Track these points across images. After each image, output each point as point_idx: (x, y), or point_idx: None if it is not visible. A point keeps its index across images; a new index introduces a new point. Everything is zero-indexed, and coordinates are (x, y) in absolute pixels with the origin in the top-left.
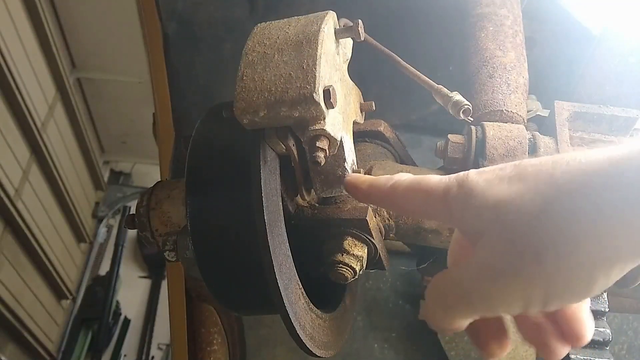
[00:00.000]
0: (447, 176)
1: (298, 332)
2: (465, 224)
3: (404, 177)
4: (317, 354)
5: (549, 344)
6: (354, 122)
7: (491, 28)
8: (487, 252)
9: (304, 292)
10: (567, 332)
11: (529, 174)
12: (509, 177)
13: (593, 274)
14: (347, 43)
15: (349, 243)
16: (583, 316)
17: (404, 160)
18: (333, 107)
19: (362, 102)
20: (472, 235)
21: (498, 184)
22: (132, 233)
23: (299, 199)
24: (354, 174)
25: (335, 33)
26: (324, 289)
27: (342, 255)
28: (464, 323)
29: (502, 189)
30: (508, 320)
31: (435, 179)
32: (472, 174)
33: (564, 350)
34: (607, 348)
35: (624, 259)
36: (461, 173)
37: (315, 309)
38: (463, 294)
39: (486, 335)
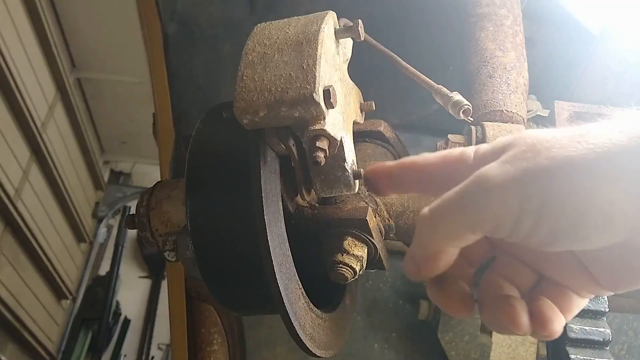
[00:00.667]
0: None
1: (298, 332)
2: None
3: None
4: (317, 354)
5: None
6: (354, 122)
7: (491, 28)
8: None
9: (304, 292)
10: (541, 313)
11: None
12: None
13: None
14: (347, 43)
15: (349, 243)
16: (572, 305)
17: None
18: (333, 107)
19: (362, 102)
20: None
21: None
22: (132, 233)
23: (299, 199)
24: (372, 165)
25: (335, 33)
26: (324, 289)
27: (342, 255)
28: (448, 248)
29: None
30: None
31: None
32: (490, 171)
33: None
34: (607, 348)
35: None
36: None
37: (315, 309)
38: (455, 203)
39: (450, 296)
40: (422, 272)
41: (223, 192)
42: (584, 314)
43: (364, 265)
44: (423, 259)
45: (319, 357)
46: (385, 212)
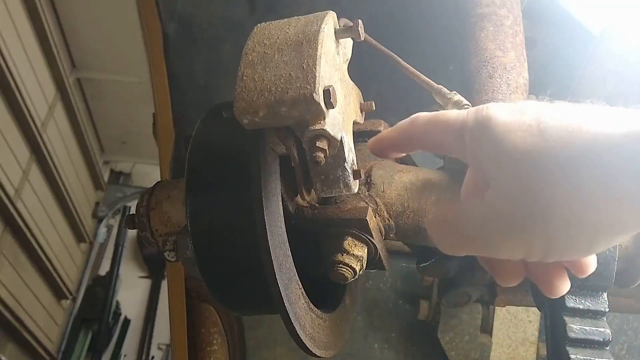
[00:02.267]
0: (465, 110)
1: (298, 332)
2: (478, 163)
3: (424, 113)
4: (317, 354)
5: (551, 280)
6: (354, 122)
7: (491, 28)
8: (498, 198)
9: (304, 292)
10: (570, 267)
11: (551, 128)
12: (528, 125)
13: (596, 238)
14: (347, 43)
15: (349, 243)
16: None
17: (404, 160)
18: (333, 107)
19: (362, 102)
20: (484, 174)
21: (517, 130)
22: (132, 233)
23: (299, 199)
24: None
25: (335, 33)
26: (324, 289)
27: (342, 255)
28: (461, 254)
29: (520, 138)
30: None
31: (453, 113)
32: (492, 111)
33: (566, 285)
34: (607, 348)
35: (627, 229)
36: (481, 107)
37: (315, 309)
38: (467, 233)
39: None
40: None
41: (223, 192)
42: (584, 314)
43: (364, 265)
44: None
45: (319, 357)
46: (385, 212)
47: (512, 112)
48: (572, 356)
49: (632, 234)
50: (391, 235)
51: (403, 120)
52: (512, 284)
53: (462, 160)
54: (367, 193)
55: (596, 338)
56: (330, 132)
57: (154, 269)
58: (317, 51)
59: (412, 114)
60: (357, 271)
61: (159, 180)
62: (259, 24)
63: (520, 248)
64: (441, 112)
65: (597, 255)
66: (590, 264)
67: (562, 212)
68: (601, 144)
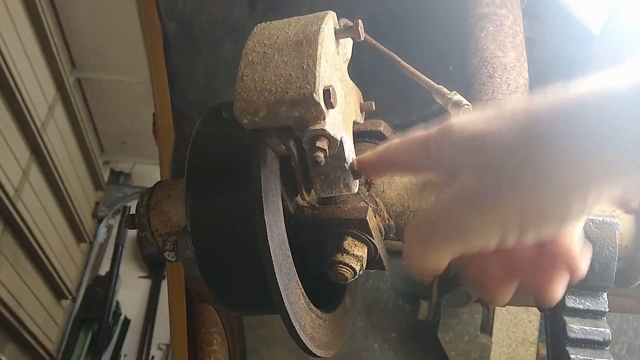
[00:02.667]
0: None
1: (298, 332)
2: (443, 162)
3: (396, 139)
4: (317, 354)
5: (544, 283)
6: (354, 122)
7: (491, 28)
8: (463, 181)
9: (304, 292)
10: (561, 265)
11: (508, 110)
12: (488, 116)
13: (568, 199)
14: (347, 43)
15: (349, 243)
16: (575, 247)
17: None
18: (333, 107)
19: (362, 102)
20: (449, 172)
21: (477, 121)
22: (132, 233)
23: (299, 199)
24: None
25: (335, 33)
26: (324, 289)
27: (342, 255)
28: (442, 262)
29: (482, 124)
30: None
31: (419, 131)
32: (454, 119)
33: (561, 288)
34: (607, 348)
35: (597, 184)
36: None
37: (315, 309)
38: (438, 226)
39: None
40: (421, 276)
41: (223, 192)
42: (584, 314)
43: (364, 265)
44: (419, 271)
45: (319, 357)
46: (385, 212)
47: (473, 113)
48: (572, 356)
49: (610, 193)
50: (391, 235)
51: (380, 145)
52: (502, 300)
53: (430, 173)
54: (367, 193)
55: (596, 338)
56: (330, 132)
57: (154, 269)
58: (317, 51)
59: (412, 114)
60: (357, 271)
61: (159, 180)
62: (259, 24)
63: (494, 225)
64: (410, 132)
65: (597, 255)
66: (582, 261)
67: (530, 175)
68: (560, 106)
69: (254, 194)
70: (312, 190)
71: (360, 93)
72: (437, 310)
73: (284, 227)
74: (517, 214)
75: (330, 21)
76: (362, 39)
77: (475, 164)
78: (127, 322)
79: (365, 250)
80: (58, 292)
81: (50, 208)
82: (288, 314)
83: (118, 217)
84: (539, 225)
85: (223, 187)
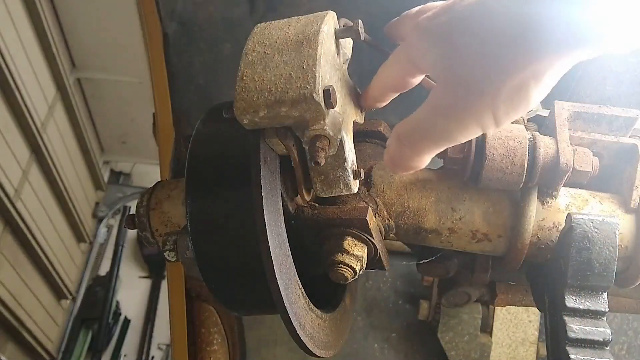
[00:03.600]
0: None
1: (298, 332)
2: (427, 69)
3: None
4: (317, 354)
5: None
6: (354, 122)
7: None
8: (438, 94)
9: (304, 292)
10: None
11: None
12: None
13: (526, 86)
14: (347, 43)
15: (349, 243)
16: None
17: None
18: (333, 107)
19: None
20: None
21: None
22: (132, 233)
23: (299, 199)
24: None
25: (335, 33)
26: (324, 289)
27: (342, 255)
28: (429, 158)
29: (435, 26)
30: None
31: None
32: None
33: None
34: (607, 348)
35: (547, 63)
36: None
37: (315, 309)
38: (424, 132)
39: None
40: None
41: (223, 192)
42: (584, 314)
43: (364, 265)
44: (406, 168)
45: (319, 357)
46: (385, 212)
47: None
48: (572, 356)
49: (564, 69)
50: (391, 235)
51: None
52: None
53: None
54: (367, 193)
55: (596, 338)
56: (330, 132)
57: (154, 269)
58: (317, 51)
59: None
60: (357, 271)
61: (159, 180)
62: (259, 24)
63: (473, 126)
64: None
65: (597, 255)
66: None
67: (489, 81)
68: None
69: (254, 194)
70: (312, 190)
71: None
72: (437, 310)
73: (284, 227)
74: (490, 114)
75: (330, 21)
76: (362, 39)
77: (444, 80)
78: (127, 322)
79: (365, 250)
80: (58, 292)
81: (50, 208)
82: (288, 314)
83: (118, 217)
84: (509, 115)
85: (223, 187)
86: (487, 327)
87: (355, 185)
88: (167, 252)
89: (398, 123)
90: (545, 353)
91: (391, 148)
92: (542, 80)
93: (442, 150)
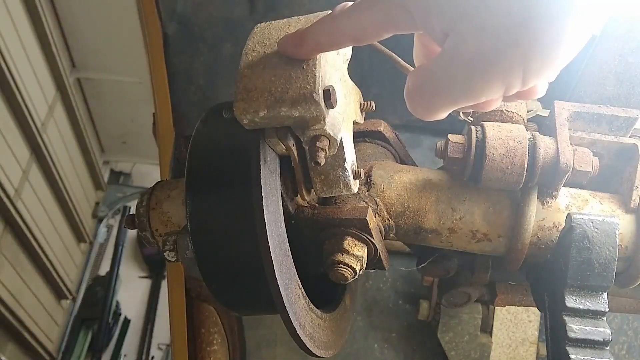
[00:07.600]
0: None
1: (298, 332)
2: (430, 26)
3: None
4: (317, 354)
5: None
6: (354, 122)
7: None
8: (460, 45)
9: (304, 292)
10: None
11: None
12: None
13: (562, 43)
14: None
15: (349, 243)
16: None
17: (404, 160)
18: (333, 107)
19: (362, 102)
20: (439, 35)
21: None
22: (132, 233)
23: (299, 199)
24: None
25: None
26: (324, 289)
27: (342, 255)
28: (444, 115)
29: None
30: None
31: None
32: None
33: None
34: (607, 348)
35: (583, 16)
36: None
37: (315, 309)
38: (439, 87)
39: None
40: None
41: (223, 192)
42: (584, 314)
43: (364, 265)
44: (423, 118)
45: (319, 357)
46: (385, 212)
47: None
48: (572, 356)
49: (597, 23)
50: (391, 235)
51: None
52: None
53: (410, 30)
54: (367, 193)
55: (596, 338)
56: (330, 132)
57: (154, 269)
58: None
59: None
60: (357, 271)
61: (159, 180)
62: (259, 24)
63: (500, 82)
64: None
65: (597, 255)
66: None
67: (529, 30)
68: None
69: (254, 194)
70: (312, 190)
71: (360, 93)
72: (437, 310)
73: (284, 227)
74: (520, 69)
75: None
76: None
77: (467, 29)
78: (127, 322)
79: (365, 250)
80: (58, 292)
81: (50, 208)
82: (288, 314)
83: (118, 217)
84: (539, 74)
85: (223, 187)
86: (487, 327)
87: (355, 185)
88: (167, 252)
89: (410, 71)
90: (545, 353)
91: (408, 98)
92: (580, 35)
93: (458, 108)
